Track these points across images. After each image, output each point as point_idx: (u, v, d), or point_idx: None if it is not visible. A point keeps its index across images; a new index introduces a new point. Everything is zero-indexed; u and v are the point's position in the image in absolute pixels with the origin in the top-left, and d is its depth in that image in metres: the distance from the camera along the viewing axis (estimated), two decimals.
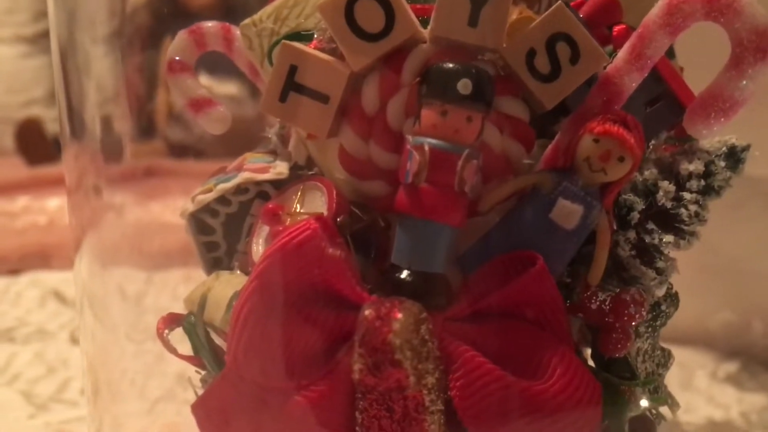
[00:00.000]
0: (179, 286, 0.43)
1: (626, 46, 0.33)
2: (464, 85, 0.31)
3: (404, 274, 0.32)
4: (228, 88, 0.46)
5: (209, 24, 0.41)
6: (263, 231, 0.36)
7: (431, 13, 0.33)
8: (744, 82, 0.31)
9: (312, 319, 0.32)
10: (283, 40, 0.34)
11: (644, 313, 0.33)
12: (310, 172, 0.38)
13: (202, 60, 0.41)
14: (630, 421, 0.34)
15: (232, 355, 0.33)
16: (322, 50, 0.34)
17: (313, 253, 0.32)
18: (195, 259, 0.41)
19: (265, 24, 0.37)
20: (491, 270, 0.32)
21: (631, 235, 0.34)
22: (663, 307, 0.36)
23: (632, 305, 0.33)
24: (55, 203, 1.14)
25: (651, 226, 0.34)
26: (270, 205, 0.36)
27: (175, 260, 0.45)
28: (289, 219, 0.35)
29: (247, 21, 0.37)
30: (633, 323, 0.33)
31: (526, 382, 0.31)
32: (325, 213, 0.34)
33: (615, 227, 0.34)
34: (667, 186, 0.34)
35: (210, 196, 0.38)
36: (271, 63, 0.37)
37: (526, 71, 0.32)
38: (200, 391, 0.38)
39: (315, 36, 0.35)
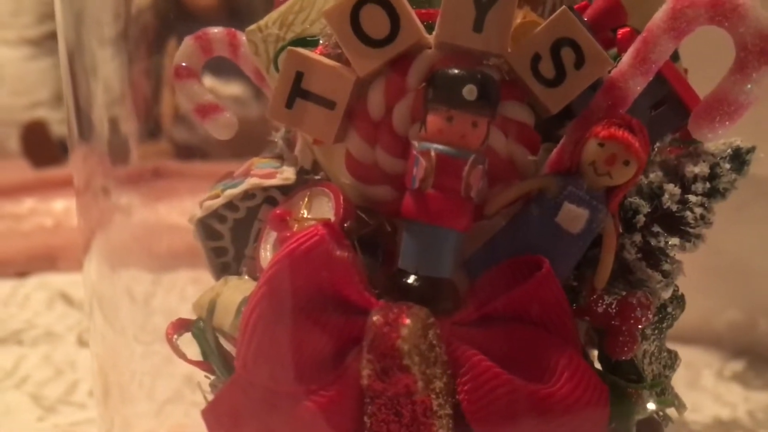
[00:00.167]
0: (187, 287, 0.44)
1: (631, 50, 0.33)
2: (470, 91, 0.31)
3: (411, 279, 0.32)
4: (232, 88, 0.46)
5: (215, 30, 0.41)
6: (271, 236, 0.36)
7: (436, 18, 0.33)
8: (749, 86, 0.31)
9: (321, 324, 0.32)
10: (289, 47, 0.34)
11: (650, 316, 0.33)
12: (317, 177, 0.38)
13: (206, 62, 0.41)
14: (637, 424, 0.35)
15: (242, 361, 0.33)
16: (328, 56, 0.34)
17: (321, 258, 0.32)
18: (203, 260, 0.41)
19: (271, 30, 0.37)
20: (498, 274, 0.32)
21: (637, 238, 0.34)
22: (669, 310, 0.36)
23: (638, 308, 0.33)
24: (62, 205, 1.13)
25: (657, 229, 0.34)
26: (278, 211, 0.36)
27: (182, 261, 0.45)
28: (296, 224, 0.35)
29: (252, 27, 0.38)
30: (639, 326, 0.33)
31: (533, 386, 0.31)
32: (332, 218, 0.34)
33: (621, 230, 0.34)
34: (672, 189, 0.34)
35: (218, 202, 0.38)
36: (277, 69, 0.37)
37: (531, 76, 0.32)
38: (210, 396, 0.38)
39: (320, 42, 0.35)
